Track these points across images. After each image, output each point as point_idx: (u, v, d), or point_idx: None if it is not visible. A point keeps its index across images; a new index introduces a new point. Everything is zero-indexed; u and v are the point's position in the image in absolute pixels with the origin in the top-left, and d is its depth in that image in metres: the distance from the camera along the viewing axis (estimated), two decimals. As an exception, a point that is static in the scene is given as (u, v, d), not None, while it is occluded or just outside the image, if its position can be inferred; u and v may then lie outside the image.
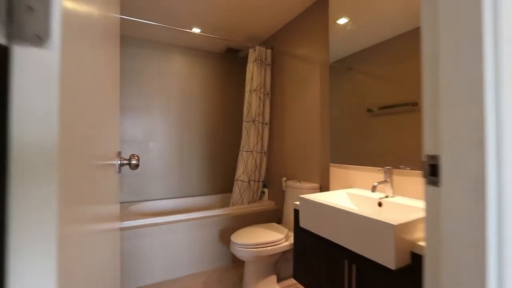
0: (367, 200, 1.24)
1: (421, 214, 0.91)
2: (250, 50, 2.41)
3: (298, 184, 1.92)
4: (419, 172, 1.15)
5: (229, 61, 3.06)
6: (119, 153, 0.79)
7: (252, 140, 2.40)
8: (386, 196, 1.20)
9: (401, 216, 0.91)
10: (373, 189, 1.12)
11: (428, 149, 0.52)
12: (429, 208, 0.52)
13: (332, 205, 1.06)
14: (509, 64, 0.42)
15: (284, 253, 1.87)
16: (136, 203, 2.43)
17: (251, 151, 2.41)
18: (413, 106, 1.18)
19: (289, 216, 2.00)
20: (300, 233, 1.37)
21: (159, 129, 2.64)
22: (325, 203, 1.10)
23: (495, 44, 0.42)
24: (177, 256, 1.94)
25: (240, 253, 1.67)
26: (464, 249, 0.45)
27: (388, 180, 1.19)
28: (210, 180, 2.93)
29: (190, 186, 2.80)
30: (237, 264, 2.18)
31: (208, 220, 2.06)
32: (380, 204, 1.18)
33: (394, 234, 0.81)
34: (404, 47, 1.22)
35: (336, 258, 1.14)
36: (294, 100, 2.18)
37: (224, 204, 2.89)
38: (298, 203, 1.38)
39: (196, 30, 2.44)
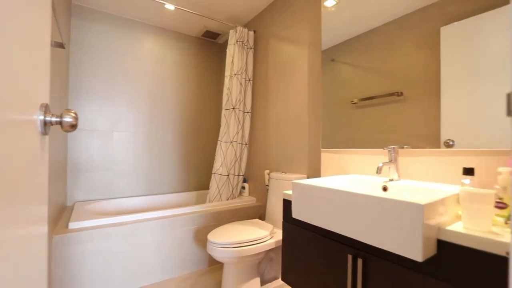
0: (370, 185, 1.08)
1: (444, 194, 0.76)
2: (231, 31, 2.20)
3: (284, 175, 1.72)
4: (427, 150, 1.01)
5: (207, 46, 2.82)
6: (45, 106, 0.53)
7: (232, 129, 2.18)
8: (391, 180, 1.04)
9: (417, 197, 0.74)
10: (378, 170, 0.96)
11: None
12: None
13: (333, 187, 0.87)
14: None
15: (268, 252, 1.66)
16: (96, 202, 2.09)
17: (231, 142, 2.18)
18: (399, 96, 1.16)
19: (273, 211, 1.80)
20: (291, 227, 1.18)
21: (125, 117, 2.32)
22: (323, 185, 0.91)
23: None
24: (143, 262, 1.65)
25: (219, 253, 1.43)
26: None
27: (393, 161, 1.04)
28: (184, 176, 2.65)
29: (161, 182, 2.50)
30: (214, 267, 1.92)
31: (181, 218, 1.80)
32: (385, 189, 1.02)
33: (423, 216, 0.63)
34: (391, 36, 1.20)
35: (336, 252, 0.95)
36: (279, 86, 2.00)
37: (200, 201, 2.62)
38: (288, 192, 1.19)
39: (170, 7, 2.17)
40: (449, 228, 0.68)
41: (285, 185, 1.71)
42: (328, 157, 1.47)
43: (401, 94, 1.15)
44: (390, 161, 1.04)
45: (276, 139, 2.01)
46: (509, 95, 0.36)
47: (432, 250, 0.67)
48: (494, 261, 0.59)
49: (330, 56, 1.50)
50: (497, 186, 0.72)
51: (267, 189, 2.08)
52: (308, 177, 1.67)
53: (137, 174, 2.36)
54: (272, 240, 1.53)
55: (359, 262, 0.87)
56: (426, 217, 0.64)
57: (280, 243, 1.57)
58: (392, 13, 1.18)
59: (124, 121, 2.31)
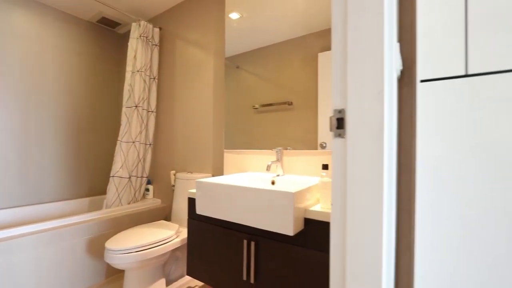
0: (261, 180, 1.28)
1: (310, 184, 1.02)
2: (134, 24, 2.06)
3: (190, 175, 1.78)
4: (305, 151, 1.30)
5: (104, 34, 2.52)
6: None
7: (134, 129, 2.05)
8: (278, 175, 1.28)
9: (293, 187, 0.98)
10: (268, 168, 1.17)
11: (335, 103, 0.55)
12: (336, 160, 0.55)
13: (230, 184, 1.02)
14: (395, 35, 0.51)
15: (174, 252, 1.68)
16: None
17: (133, 142, 2.05)
18: (289, 105, 1.38)
19: (179, 211, 1.82)
20: (195, 223, 1.26)
21: (-18, 109, 1.81)
22: (222, 183, 1.04)
23: (390, 6, 0.50)
24: (18, 285, 1.36)
25: (119, 260, 1.36)
26: (366, 191, 0.50)
27: (280, 160, 1.28)
28: (74, 181, 2.29)
29: (40, 190, 2.08)
30: (114, 277, 1.78)
31: (69, 229, 1.58)
32: (273, 183, 1.25)
33: (294, 201, 0.85)
34: (284, 53, 1.42)
35: (234, 239, 1.10)
36: (186, 87, 2.03)
37: (96, 208, 2.33)
38: (193, 191, 1.26)
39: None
40: (311, 208, 0.93)
41: (191, 184, 1.77)
42: (230, 157, 1.63)
43: (291, 103, 1.39)
44: (277, 160, 1.28)
45: (182, 139, 2.03)
46: (331, 118, 0.57)
47: (300, 226, 0.91)
48: (335, 228, 0.86)
49: (235, 63, 1.64)
50: (341, 176, 1.03)
51: (173, 190, 2.08)
52: (213, 176, 1.79)
53: (4, 181, 1.89)
54: (178, 239, 1.57)
55: (252, 244, 1.04)
56: (296, 201, 0.86)
57: (186, 241, 1.62)
58: (283, 35, 1.41)
59: (-19, 114, 1.81)
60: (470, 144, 0.60)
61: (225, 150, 1.63)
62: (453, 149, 0.61)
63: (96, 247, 1.70)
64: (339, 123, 0.55)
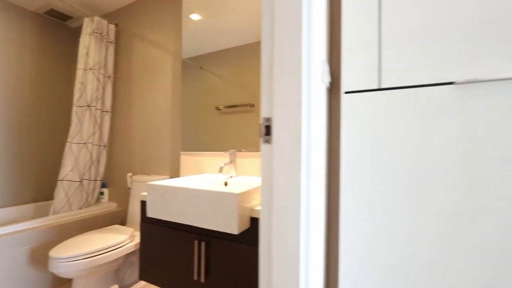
0: (215, 181, 1.31)
1: (257, 184, 1.07)
2: (86, 19, 1.96)
3: (146, 178, 1.75)
4: (257, 153, 1.36)
5: (53, 28, 2.34)
6: None
7: (86, 129, 1.95)
8: (231, 176, 1.32)
9: (241, 188, 1.02)
10: (221, 169, 1.20)
11: (264, 112, 0.61)
12: (264, 164, 0.60)
13: (178, 186, 1.03)
14: (316, 53, 0.58)
15: (128, 256, 1.64)
16: None
17: (85, 143, 1.95)
18: (251, 107, 1.40)
19: (135, 215, 1.78)
20: (148, 227, 1.25)
21: None
22: (171, 185, 1.05)
23: (308, 31, 0.56)
24: None
25: (65, 269, 1.29)
26: (287, 190, 0.56)
27: (233, 162, 1.32)
28: (15, 186, 2.10)
29: (-26, 196, 1.88)
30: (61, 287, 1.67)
31: (8, 238, 1.45)
32: (226, 184, 1.28)
33: (238, 201, 0.89)
34: (247, 56, 1.44)
35: (185, 241, 1.12)
36: (143, 87, 1.98)
37: (41, 215, 2.16)
38: (145, 194, 1.25)
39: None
40: (257, 208, 0.98)
41: (147, 187, 1.73)
42: (188, 159, 1.63)
43: (253, 105, 1.41)
44: (231, 162, 1.32)
45: (140, 141, 1.98)
46: (260, 125, 0.62)
47: (246, 225, 0.95)
48: (278, 225, 0.92)
49: (199, 63, 1.62)
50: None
51: (130, 193, 2.01)
52: (170, 178, 1.77)
53: None
54: (132, 244, 1.53)
55: (203, 245, 1.07)
56: (240, 202, 0.91)
57: (141, 245, 1.58)
58: (245, 38, 1.43)
59: None
60: (382, 147, 0.69)
61: (181, 152, 1.62)
62: (369, 152, 0.70)
63: (41, 256, 1.58)
64: (267, 130, 0.60)
